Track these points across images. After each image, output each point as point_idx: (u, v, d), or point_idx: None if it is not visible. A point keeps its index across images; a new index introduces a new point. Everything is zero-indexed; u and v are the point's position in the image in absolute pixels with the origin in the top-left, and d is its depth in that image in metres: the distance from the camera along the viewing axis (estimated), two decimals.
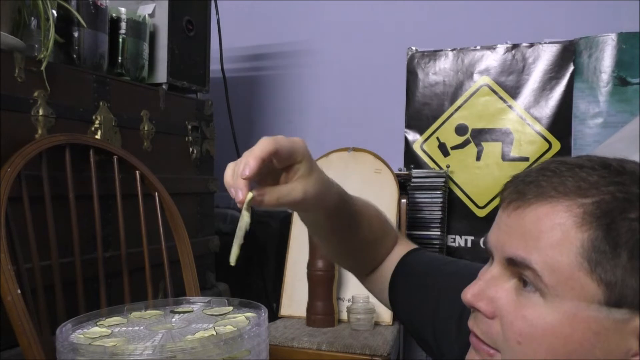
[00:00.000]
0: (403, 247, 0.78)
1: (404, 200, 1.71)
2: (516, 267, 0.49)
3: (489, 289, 0.51)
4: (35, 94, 1.14)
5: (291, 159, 0.57)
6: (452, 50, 1.96)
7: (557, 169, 0.49)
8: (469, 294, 0.52)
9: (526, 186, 0.50)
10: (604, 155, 0.51)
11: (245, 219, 0.55)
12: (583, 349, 0.46)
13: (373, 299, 1.55)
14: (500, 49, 1.90)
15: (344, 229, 0.70)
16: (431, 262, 0.76)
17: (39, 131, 1.15)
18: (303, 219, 0.70)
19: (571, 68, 1.80)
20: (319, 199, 0.60)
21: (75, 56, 1.30)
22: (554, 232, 0.47)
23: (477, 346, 0.53)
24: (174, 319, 0.82)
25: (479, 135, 1.91)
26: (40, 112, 1.15)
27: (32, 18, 1.17)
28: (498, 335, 0.50)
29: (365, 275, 0.80)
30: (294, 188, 0.57)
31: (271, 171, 0.58)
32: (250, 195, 0.54)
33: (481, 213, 1.88)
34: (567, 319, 0.46)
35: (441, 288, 0.71)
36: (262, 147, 0.55)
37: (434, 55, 1.99)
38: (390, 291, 0.76)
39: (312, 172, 0.58)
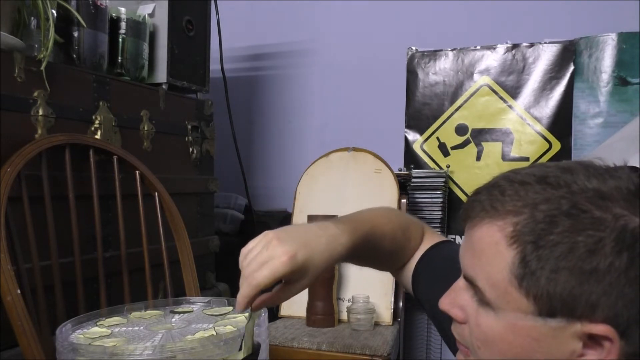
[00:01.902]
0: (428, 242, 0.82)
1: (404, 200, 1.71)
2: (470, 282, 0.55)
3: (458, 298, 0.57)
4: (35, 93, 1.14)
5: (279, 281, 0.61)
6: (452, 50, 1.96)
7: (502, 187, 0.52)
8: (445, 302, 0.59)
9: (476, 204, 0.54)
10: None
11: (249, 326, 0.62)
12: (526, 353, 0.51)
13: (373, 299, 1.55)
14: (500, 48, 1.90)
15: (368, 257, 0.76)
16: (450, 255, 0.78)
17: (39, 131, 1.15)
18: None
19: (571, 68, 1.80)
20: (320, 273, 0.63)
21: (75, 56, 1.30)
22: (491, 251, 0.52)
23: (459, 346, 0.59)
24: (174, 319, 0.82)
25: (479, 135, 1.91)
26: (40, 112, 1.15)
27: (32, 18, 1.17)
28: (468, 338, 0.56)
29: (395, 271, 0.85)
30: (291, 290, 0.62)
31: None
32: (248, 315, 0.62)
33: None
34: (510, 328, 0.51)
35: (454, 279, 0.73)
36: (244, 293, 0.59)
37: (434, 55, 1.99)
38: (413, 284, 0.81)
39: (306, 273, 0.61)
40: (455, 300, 0.57)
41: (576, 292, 0.47)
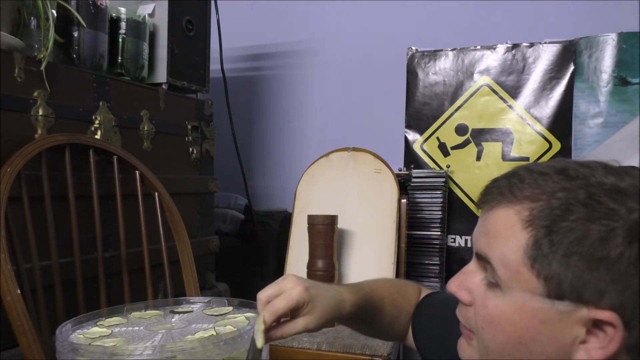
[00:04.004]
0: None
1: (404, 200, 1.71)
2: (482, 261, 0.57)
3: (467, 281, 0.59)
4: (35, 93, 1.14)
5: (292, 310, 0.66)
6: (452, 50, 1.96)
7: (522, 176, 0.55)
8: (453, 285, 0.60)
9: (494, 190, 0.57)
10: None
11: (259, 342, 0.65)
12: (530, 335, 0.52)
13: None
14: (501, 48, 1.90)
15: (371, 321, 0.79)
16: (446, 300, 0.78)
17: (39, 131, 1.15)
18: None
19: (571, 68, 1.80)
20: (325, 324, 0.68)
21: (75, 56, 1.30)
22: (507, 232, 0.54)
23: (462, 330, 0.61)
24: (173, 319, 0.82)
25: (479, 135, 1.91)
26: (40, 112, 1.15)
27: (32, 18, 1.17)
28: (472, 320, 0.58)
29: (403, 337, 0.86)
30: (295, 325, 0.66)
31: None
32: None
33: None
34: (517, 308, 0.52)
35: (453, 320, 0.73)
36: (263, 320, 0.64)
37: (434, 55, 1.99)
38: (414, 337, 0.82)
39: (314, 309, 0.66)
40: (464, 282, 0.59)
41: (586, 277, 0.49)
